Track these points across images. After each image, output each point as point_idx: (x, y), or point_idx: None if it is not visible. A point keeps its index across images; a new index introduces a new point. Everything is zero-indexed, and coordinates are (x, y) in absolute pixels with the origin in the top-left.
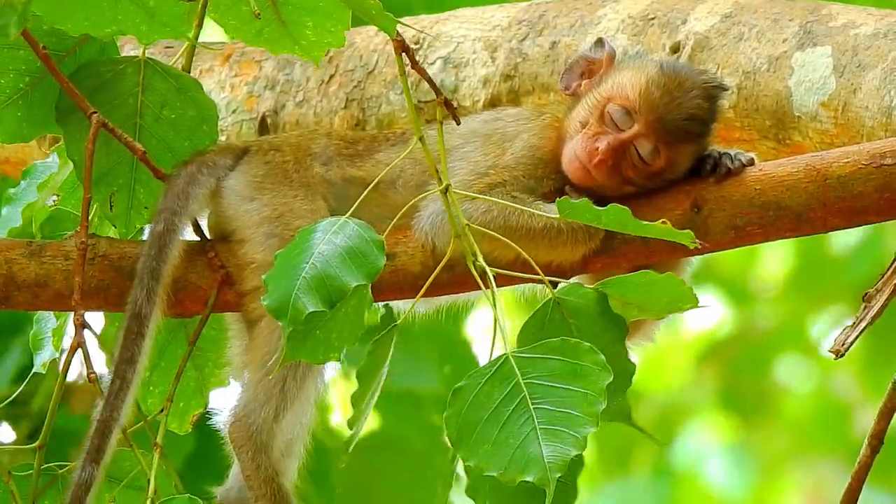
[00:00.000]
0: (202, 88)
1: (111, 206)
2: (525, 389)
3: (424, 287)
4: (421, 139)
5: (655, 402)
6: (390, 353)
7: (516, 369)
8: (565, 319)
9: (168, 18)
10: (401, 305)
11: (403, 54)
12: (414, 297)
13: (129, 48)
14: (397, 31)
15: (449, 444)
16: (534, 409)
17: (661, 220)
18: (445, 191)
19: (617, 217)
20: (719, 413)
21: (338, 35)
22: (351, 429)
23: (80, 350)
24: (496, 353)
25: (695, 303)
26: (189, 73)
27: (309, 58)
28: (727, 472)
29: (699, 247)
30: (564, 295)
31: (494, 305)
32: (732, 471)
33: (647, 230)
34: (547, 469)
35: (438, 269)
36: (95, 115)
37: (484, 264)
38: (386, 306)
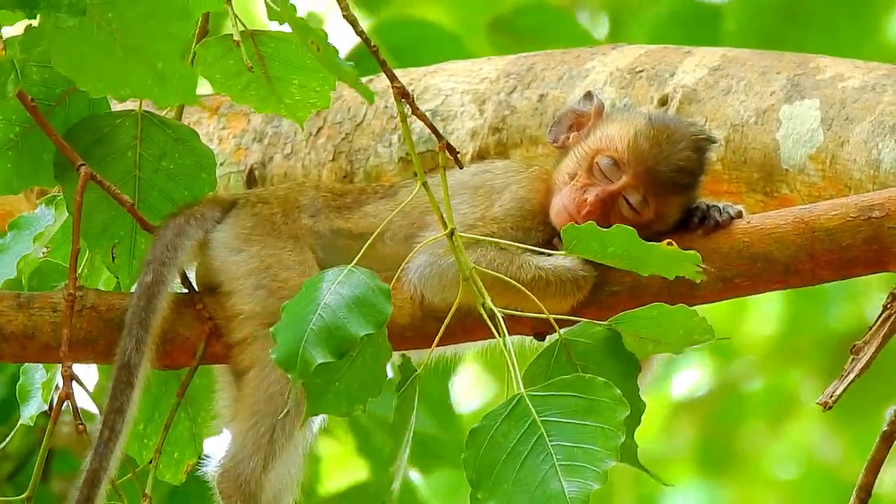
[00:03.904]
0: (199, 137)
1: (113, 258)
2: (541, 427)
3: (438, 335)
4: (425, 184)
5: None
6: (416, 403)
7: (531, 408)
8: (571, 361)
9: (179, 81)
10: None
11: (404, 101)
12: (401, 349)
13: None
14: (397, 78)
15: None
16: (551, 446)
17: (666, 241)
18: (451, 234)
19: (622, 239)
20: (698, 467)
21: (323, 95)
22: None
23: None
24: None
25: (711, 335)
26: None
27: (293, 118)
28: None
29: (703, 270)
30: (574, 336)
31: (506, 346)
32: None
33: (653, 251)
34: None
35: (449, 317)
36: (83, 167)
37: (493, 307)
38: (403, 356)
